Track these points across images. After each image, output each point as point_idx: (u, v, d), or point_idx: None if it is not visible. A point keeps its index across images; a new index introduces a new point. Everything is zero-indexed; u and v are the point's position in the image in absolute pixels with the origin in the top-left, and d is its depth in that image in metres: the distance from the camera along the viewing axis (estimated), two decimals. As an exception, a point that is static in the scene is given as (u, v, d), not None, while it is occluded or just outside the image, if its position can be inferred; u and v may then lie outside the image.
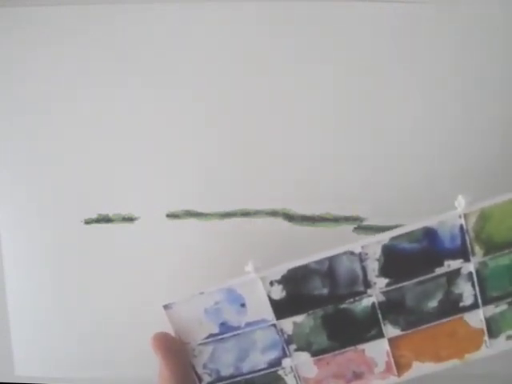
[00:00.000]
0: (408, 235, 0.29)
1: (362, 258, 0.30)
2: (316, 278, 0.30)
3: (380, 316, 0.31)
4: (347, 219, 0.37)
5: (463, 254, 0.29)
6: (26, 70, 0.38)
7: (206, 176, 0.38)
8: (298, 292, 0.30)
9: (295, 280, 0.30)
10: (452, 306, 0.30)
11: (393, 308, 0.31)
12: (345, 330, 0.31)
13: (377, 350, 0.31)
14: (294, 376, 0.32)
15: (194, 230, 0.38)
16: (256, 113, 0.37)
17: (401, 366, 0.32)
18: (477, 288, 0.30)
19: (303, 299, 0.31)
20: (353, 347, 0.31)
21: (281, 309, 0.31)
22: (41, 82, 0.38)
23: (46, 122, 0.39)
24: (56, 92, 0.38)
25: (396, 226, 0.37)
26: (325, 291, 0.30)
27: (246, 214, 0.38)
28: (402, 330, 0.31)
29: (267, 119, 0.37)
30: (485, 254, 0.29)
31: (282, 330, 0.31)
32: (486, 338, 0.31)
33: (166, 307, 0.32)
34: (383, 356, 0.32)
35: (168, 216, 0.38)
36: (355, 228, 0.38)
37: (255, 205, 0.38)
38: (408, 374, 0.32)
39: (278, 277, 0.30)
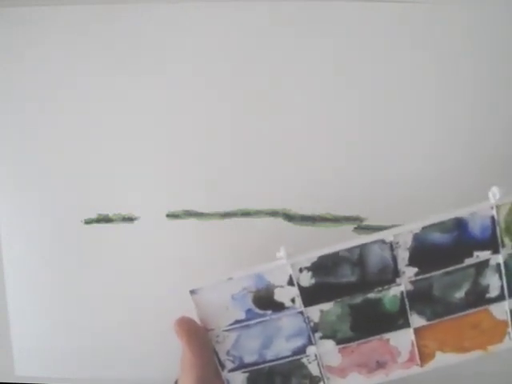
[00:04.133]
0: (439, 225, 0.29)
1: (392, 246, 0.30)
2: (346, 265, 0.30)
3: (407, 305, 0.31)
4: (347, 219, 0.37)
5: (493, 245, 0.29)
6: (26, 69, 0.38)
7: (206, 176, 0.38)
8: (326, 280, 0.30)
9: (325, 267, 0.30)
10: (478, 297, 0.30)
11: (420, 298, 0.30)
12: (371, 318, 0.31)
13: (401, 340, 0.31)
14: (318, 364, 0.32)
15: (194, 230, 0.38)
16: (256, 113, 0.37)
17: (424, 356, 0.32)
18: (504, 280, 0.30)
19: (332, 287, 0.30)
20: (378, 336, 0.31)
21: (309, 296, 0.31)
22: (41, 82, 0.38)
23: (46, 122, 0.39)
24: (56, 92, 0.38)
25: (396, 226, 0.38)
26: (354, 279, 0.30)
27: (246, 214, 0.38)
28: (428, 320, 0.31)
29: (267, 119, 0.37)
30: None
31: (308, 318, 0.31)
32: (509, 329, 0.31)
33: (192, 292, 0.31)
34: (407, 346, 0.32)
35: (168, 216, 0.38)
36: (355, 228, 0.38)
37: (255, 205, 0.38)
38: (431, 364, 0.32)
39: (308, 264, 0.30)
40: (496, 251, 0.30)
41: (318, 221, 0.38)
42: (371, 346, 0.32)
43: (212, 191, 0.38)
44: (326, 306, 0.31)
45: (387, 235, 0.30)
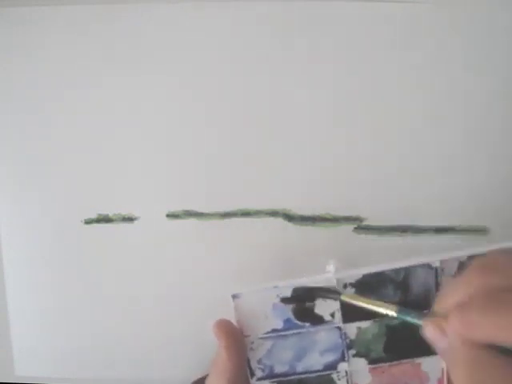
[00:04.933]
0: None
1: (438, 272, 0.30)
2: (389, 286, 0.30)
3: None
4: (347, 219, 0.37)
5: None
6: (26, 69, 0.38)
7: (206, 176, 0.38)
8: (370, 297, 0.30)
9: (369, 285, 0.30)
10: None
11: None
12: (406, 341, 0.31)
13: (433, 366, 0.31)
14: (347, 381, 0.32)
15: (194, 229, 0.38)
16: (256, 113, 0.37)
17: None
18: None
19: None
20: (411, 359, 0.31)
21: (349, 312, 0.31)
22: (41, 82, 0.38)
23: (46, 121, 0.39)
24: (56, 92, 0.38)
25: (396, 226, 0.38)
26: (395, 300, 0.30)
27: (246, 213, 0.38)
28: None
29: (267, 119, 0.37)
30: None
31: (345, 334, 0.31)
32: None
33: (234, 296, 0.31)
34: (437, 372, 0.31)
35: (168, 216, 0.38)
36: (355, 228, 0.38)
37: (255, 205, 0.38)
38: None
39: (353, 280, 0.30)
40: None
41: (318, 221, 0.38)
42: (402, 368, 0.31)
43: (212, 191, 0.38)
44: (365, 324, 0.31)
45: (434, 260, 0.29)
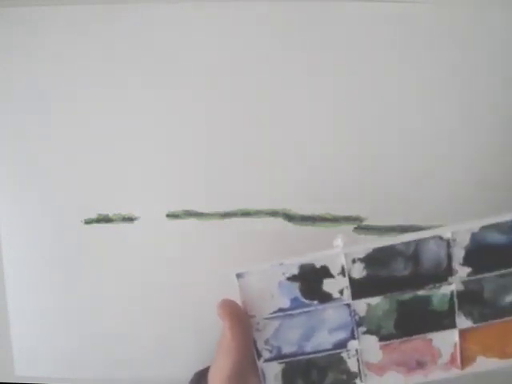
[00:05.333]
0: (499, 226, 0.28)
1: (449, 244, 0.29)
2: (400, 259, 0.29)
3: (456, 306, 0.30)
4: (347, 219, 0.37)
5: None
6: (25, 69, 0.38)
7: (206, 176, 0.38)
8: (378, 273, 0.30)
9: (378, 260, 0.29)
10: None
11: (470, 299, 0.30)
12: (417, 316, 0.30)
13: (445, 341, 0.31)
14: (357, 360, 0.31)
15: (194, 229, 0.38)
16: (256, 113, 0.37)
17: (465, 359, 0.31)
18: None
19: (382, 281, 0.30)
20: (421, 335, 0.31)
21: (358, 289, 0.30)
22: (41, 82, 0.38)
23: (46, 122, 0.39)
24: (56, 92, 0.38)
25: (396, 226, 0.38)
26: (406, 274, 0.29)
27: (246, 213, 0.38)
28: (474, 323, 0.30)
29: (267, 119, 0.37)
30: None
31: (354, 311, 0.30)
32: None
33: (238, 275, 0.30)
34: (450, 347, 0.31)
35: (168, 216, 0.38)
36: (355, 228, 0.38)
37: (255, 205, 0.38)
38: (471, 368, 0.31)
39: (362, 255, 0.29)
40: None
41: (318, 221, 0.38)
42: (413, 345, 0.31)
43: (212, 191, 0.38)
44: (374, 301, 0.30)
45: (445, 232, 0.29)
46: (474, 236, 0.29)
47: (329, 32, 0.37)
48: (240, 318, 0.30)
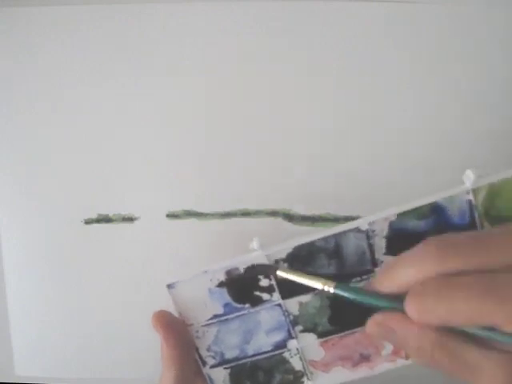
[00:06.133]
0: (415, 211, 0.28)
1: (369, 235, 0.29)
2: (322, 255, 0.29)
3: None
4: (347, 219, 0.37)
5: (472, 230, 0.28)
6: (25, 70, 0.38)
7: (205, 176, 0.38)
8: (303, 270, 0.29)
9: (301, 258, 0.29)
10: None
11: None
12: (352, 310, 0.30)
13: None
14: (300, 358, 0.31)
15: (194, 229, 0.38)
16: (256, 113, 0.37)
17: None
18: None
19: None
20: (360, 328, 0.30)
21: (286, 288, 0.30)
22: (41, 83, 0.38)
23: (47, 121, 0.39)
24: (56, 92, 0.38)
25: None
26: (331, 269, 0.29)
27: (246, 214, 0.38)
28: None
29: (267, 119, 0.37)
30: None
31: (287, 311, 0.30)
32: None
33: (169, 286, 0.30)
34: None
35: (168, 216, 0.38)
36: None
37: (255, 205, 0.38)
38: None
39: (284, 255, 0.29)
40: None
41: (318, 221, 0.38)
42: (354, 338, 0.31)
43: (212, 191, 0.38)
44: (305, 298, 0.30)
45: (362, 223, 0.28)
46: (392, 224, 0.28)
47: (329, 32, 0.37)
48: (174, 326, 0.31)
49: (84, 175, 0.39)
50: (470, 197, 0.27)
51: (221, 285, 0.30)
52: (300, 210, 0.38)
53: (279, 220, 0.38)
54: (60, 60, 0.38)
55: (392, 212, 0.28)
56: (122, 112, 0.38)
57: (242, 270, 0.30)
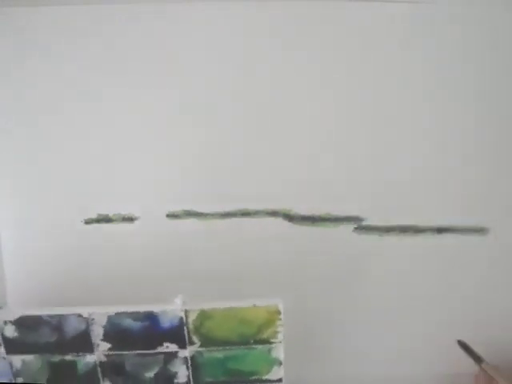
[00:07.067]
0: (132, 314, 0.33)
1: (88, 322, 0.33)
2: (46, 328, 0.33)
3: (100, 374, 0.34)
4: (347, 219, 0.38)
5: (180, 341, 0.33)
6: (25, 70, 0.38)
7: (206, 176, 0.38)
8: (29, 335, 0.33)
9: (27, 325, 0.33)
10: (167, 381, 0.35)
11: (113, 369, 0.34)
12: (68, 378, 0.34)
13: None
14: None
15: (194, 229, 0.38)
16: (256, 113, 0.37)
17: None
18: (190, 371, 0.34)
19: (34, 342, 0.33)
20: None
21: (11, 346, 0.34)
22: (41, 83, 0.38)
23: (47, 122, 0.39)
24: (56, 92, 0.38)
25: (396, 226, 0.38)
26: (53, 341, 0.33)
27: (246, 214, 0.38)
28: None
29: (267, 120, 0.37)
30: (202, 346, 0.33)
31: (11, 364, 0.34)
32: None
33: None
34: None
35: (168, 216, 0.38)
36: (355, 228, 0.38)
37: (255, 205, 0.38)
38: None
39: (12, 319, 0.33)
40: (183, 347, 0.33)
41: (318, 221, 0.38)
42: None
43: (212, 191, 0.38)
44: (28, 358, 0.34)
45: (84, 312, 0.33)
46: (110, 318, 0.33)
47: (329, 32, 0.37)
48: None
49: (84, 176, 0.39)
50: (182, 315, 0.33)
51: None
52: (300, 210, 0.38)
53: (279, 220, 0.38)
54: (60, 60, 0.38)
55: (111, 310, 0.33)
56: (123, 112, 0.38)
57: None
